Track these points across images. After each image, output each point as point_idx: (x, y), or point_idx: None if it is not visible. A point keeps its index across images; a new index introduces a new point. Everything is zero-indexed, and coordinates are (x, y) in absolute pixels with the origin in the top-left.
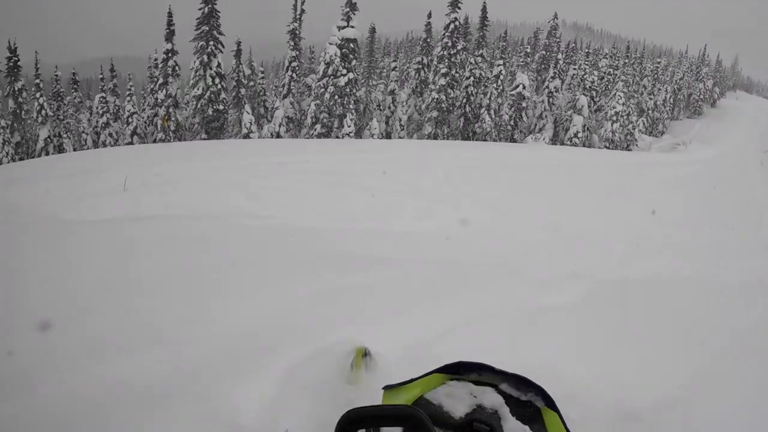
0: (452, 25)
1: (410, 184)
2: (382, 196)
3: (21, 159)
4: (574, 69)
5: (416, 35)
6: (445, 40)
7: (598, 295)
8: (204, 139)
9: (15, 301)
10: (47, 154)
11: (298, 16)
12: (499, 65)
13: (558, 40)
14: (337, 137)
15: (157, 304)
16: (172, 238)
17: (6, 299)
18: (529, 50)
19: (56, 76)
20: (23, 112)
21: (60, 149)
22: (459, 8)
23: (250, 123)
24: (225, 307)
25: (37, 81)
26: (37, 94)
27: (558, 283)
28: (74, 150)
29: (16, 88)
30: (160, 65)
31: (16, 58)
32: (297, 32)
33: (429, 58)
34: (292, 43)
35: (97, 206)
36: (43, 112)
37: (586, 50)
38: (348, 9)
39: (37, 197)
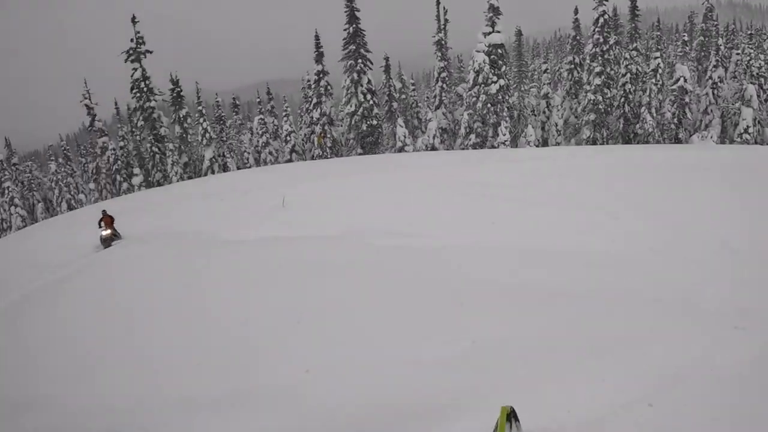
0: (601, 19)
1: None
2: (529, 209)
3: (189, 177)
4: (738, 54)
5: (564, 33)
6: (596, 36)
7: None
8: (360, 153)
9: None
10: (213, 172)
11: (442, 26)
12: (656, 58)
13: (715, 23)
14: (493, 146)
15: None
16: (318, 263)
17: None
18: (686, 38)
19: (217, 101)
20: (189, 136)
21: (224, 168)
22: (606, 0)
23: (404, 136)
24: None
25: (200, 107)
26: (201, 119)
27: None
28: (237, 168)
29: (181, 115)
30: (312, 86)
31: (179, 89)
32: (443, 42)
33: (581, 56)
34: (440, 54)
35: (256, 225)
36: (207, 135)
37: (748, 31)
38: (491, 14)
39: (206, 220)
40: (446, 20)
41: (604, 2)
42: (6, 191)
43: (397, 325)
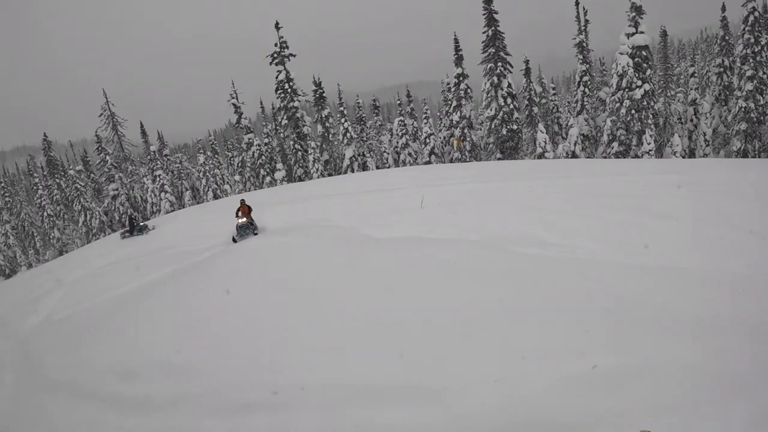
0: (751, 17)
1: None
2: (677, 222)
3: (329, 175)
4: None
5: (712, 32)
6: (746, 35)
7: None
8: (499, 158)
9: None
10: (352, 170)
11: (582, 27)
12: None
13: None
14: (636, 156)
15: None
16: (451, 267)
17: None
18: None
19: (358, 103)
20: (330, 135)
21: (364, 167)
22: None
23: (545, 142)
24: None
25: (341, 108)
26: (342, 120)
27: None
28: (377, 167)
29: (323, 115)
30: (452, 89)
31: (321, 90)
32: (584, 44)
33: (730, 58)
34: (581, 57)
35: (398, 224)
36: (348, 134)
37: None
38: (634, 14)
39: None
40: (587, 21)
41: None
42: (157, 178)
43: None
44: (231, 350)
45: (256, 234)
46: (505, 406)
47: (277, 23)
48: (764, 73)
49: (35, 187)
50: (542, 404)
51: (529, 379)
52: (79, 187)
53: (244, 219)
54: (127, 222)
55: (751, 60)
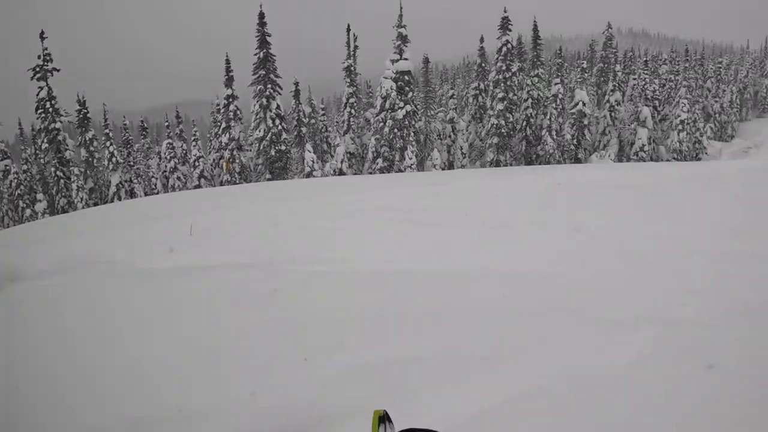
0: (504, 48)
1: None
2: (448, 230)
3: (95, 204)
4: (634, 79)
5: (472, 59)
6: (499, 64)
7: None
8: (268, 179)
9: None
10: (119, 199)
11: (352, 53)
12: (556, 84)
13: (615, 50)
14: (399, 170)
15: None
16: (234, 291)
17: None
18: (585, 65)
19: (125, 124)
20: (95, 160)
21: (132, 194)
22: (510, 30)
23: (312, 161)
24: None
25: (107, 131)
26: (107, 143)
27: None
28: (145, 194)
29: (87, 138)
30: (222, 110)
31: (85, 110)
32: (352, 68)
33: (485, 83)
34: (348, 80)
35: (170, 253)
36: (114, 159)
37: (645, 58)
38: (399, 42)
39: (110, 246)
40: (356, 47)
41: (508, 32)
42: None
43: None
44: None
45: None
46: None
47: (42, 32)
48: (514, 95)
49: None
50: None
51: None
52: None
53: None
54: None
55: (502, 84)
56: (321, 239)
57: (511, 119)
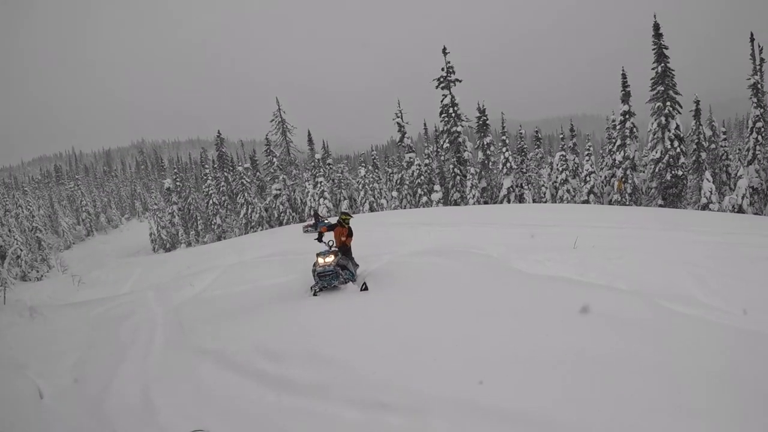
0: None
1: None
2: None
3: (485, 202)
4: None
5: None
6: None
7: None
8: (660, 205)
9: None
10: (509, 201)
11: (758, 67)
12: None
13: None
14: None
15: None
16: (603, 316)
17: None
18: None
19: (520, 133)
20: (490, 163)
21: (521, 199)
22: None
23: (710, 192)
24: None
25: (503, 137)
26: (503, 149)
27: None
28: (533, 201)
29: (485, 143)
30: (617, 126)
31: (485, 117)
32: (759, 86)
33: None
34: (755, 100)
35: (546, 261)
36: (508, 164)
37: None
38: None
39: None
40: (762, 60)
41: None
42: (318, 185)
43: None
44: (370, 352)
45: (350, 282)
46: None
47: (444, 48)
48: None
49: (205, 177)
50: None
51: None
52: (245, 182)
53: (331, 258)
54: (312, 217)
55: None
56: (702, 280)
57: None
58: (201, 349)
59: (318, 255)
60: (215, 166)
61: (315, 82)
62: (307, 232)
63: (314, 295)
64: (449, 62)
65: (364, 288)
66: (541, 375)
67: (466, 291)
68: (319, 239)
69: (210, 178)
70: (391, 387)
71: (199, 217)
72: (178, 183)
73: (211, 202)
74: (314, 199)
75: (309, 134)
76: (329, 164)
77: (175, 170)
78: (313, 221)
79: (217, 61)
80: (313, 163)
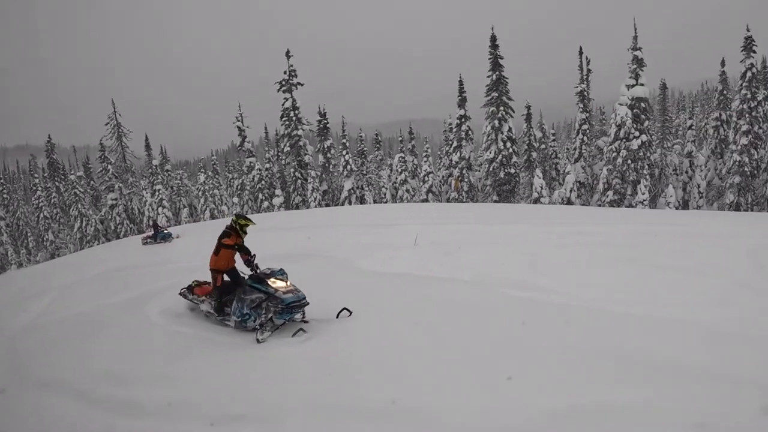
0: (749, 73)
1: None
2: (670, 274)
3: (327, 205)
4: None
5: (712, 85)
6: (743, 91)
7: None
8: (495, 201)
9: None
10: (350, 203)
11: (585, 77)
12: None
13: None
14: (630, 205)
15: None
16: (446, 301)
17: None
18: None
19: (360, 136)
20: (331, 166)
21: (362, 200)
22: (754, 52)
23: (541, 187)
24: None
25: (344, 140)
26: (344, 151)
27: None
28: (374, 202)
29: (326, 146)
30: (454, 129)
31: (325, 121)
32: (585, 93)
33: (727, 112)
34: (581, 105)
35: (390, 259)
36: (348, 166)
37: None
38: (635, 66)
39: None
40: (589, 70)
41: (752, 54)
42: (156, 193)
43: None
44: (216, 367)
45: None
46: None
47: (288, 51)
48: (759, 128)
49: (34, 188)
50: None
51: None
52: (78, 192)
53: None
54: (151, 227)
55: (747, 115)
56: (544, 267)
57: (756, 156)
58: (42, 382)
59: (272, 277)
60: (45, 175)
61: (154, 82)
62: (147, 244)
63: (260, 341)
64: (292, 65)
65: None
66: (406, 361)
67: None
68: (251, 265)
69: (40, 188)
70: (240, 398)
71: (29, 234)
72: (5, 195)
73: (42, 215)
74: (153, 209)
75: (146, 139)
76: (168, 171)
77: (1, 181)
78: (153, 232)
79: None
80: (150, 170)
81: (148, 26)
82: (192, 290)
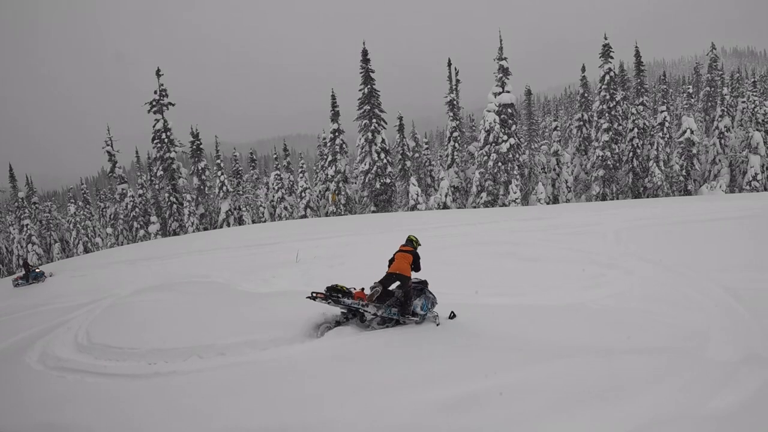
0: (607, 77)
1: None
2: (545, 264)
3: (205, 229)
4: (743, 102)
5: (574, 90)
6: (603, 93)
7: None
8: (373, 211)
9: None
10: (228, 225)
11: (454, 87)
12: (662, 111)
13: (720, 72)
14: (504, 204)
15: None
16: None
17: None
18: (691, 90)
19: (235, 156)
20: (206, 188)
21: (240, 221)
22: (611, 57)
23: (417, 194)
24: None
25: (218, 161)
26: (219, 172)
27: None
28: (252, 222)
29: (200, 167)
30: (328, 143)
31: (198, 142)
32: (455, 102)
33: (589, 113)
34: (452, 114)
35: (271, 278)
36: (224, 188)
37: (753, 78)
38: (501, 74)
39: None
40: (458, 81)
41: (610, 59)
42: (24, 228)
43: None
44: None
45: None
46: None
47: (158, 70)
48: (619, 125)
49: None
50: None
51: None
52: None
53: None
54: (22, 266)
55: (607, 114)
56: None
57: (617, 150)
58: None
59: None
60: None
61: (18, 105)
62: (18, 286)
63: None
64: (162, 84)
65: None
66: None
67: (192, 326)
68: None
69: None
70: None
71: None
72: None
73: None
74: (21, 246)
75: (10, 169)
76: (35, 203)
77: None
78: (24, 272)
79: None
80: (16, 204)
81: None
82: (351, 295)
